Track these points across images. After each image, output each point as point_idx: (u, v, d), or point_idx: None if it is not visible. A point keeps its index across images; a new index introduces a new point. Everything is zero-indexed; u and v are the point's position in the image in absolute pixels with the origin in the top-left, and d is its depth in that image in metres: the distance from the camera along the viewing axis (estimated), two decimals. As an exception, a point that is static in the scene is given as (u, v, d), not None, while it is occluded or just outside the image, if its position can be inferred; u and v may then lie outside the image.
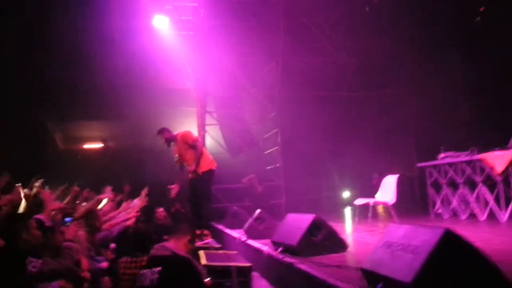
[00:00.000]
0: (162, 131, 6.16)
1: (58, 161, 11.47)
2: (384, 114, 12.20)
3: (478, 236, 4.62)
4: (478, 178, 6.27)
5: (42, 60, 10.68)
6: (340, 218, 8.37)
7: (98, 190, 6.14)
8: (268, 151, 11.63)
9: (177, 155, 6.17)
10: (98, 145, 13.55)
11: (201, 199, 5.99)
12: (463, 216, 6.61)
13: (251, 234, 5.54)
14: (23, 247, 2.73)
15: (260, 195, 9.57)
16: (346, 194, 12.30)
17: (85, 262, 3.62)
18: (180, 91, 11.62)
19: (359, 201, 6.01)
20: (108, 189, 5.49)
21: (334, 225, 4.32)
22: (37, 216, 3.61)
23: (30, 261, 2.56)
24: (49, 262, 2.68)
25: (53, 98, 11.39)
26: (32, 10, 10.24)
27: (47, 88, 11.08)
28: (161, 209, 7.02)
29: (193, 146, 5.95)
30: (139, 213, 5.35)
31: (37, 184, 4.63)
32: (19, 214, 3.21)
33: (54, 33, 10.43)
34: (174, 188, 6.01)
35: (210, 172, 6.01)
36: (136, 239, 3.75)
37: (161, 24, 9.98)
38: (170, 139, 6.12)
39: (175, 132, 6.25)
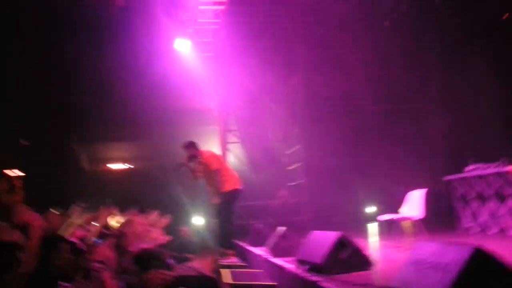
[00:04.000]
0: (190, 145, 6.05)
1: (85, 182, 11.73)
2: (409, 128, 12.04)
3: (510, 252, 4.46)
4: (509, 191, 6.09)
5: (68, 85, 11.05)
6: (366, 234, 8.22)
7: (122, 211, 6.24)
8: (291, 167, 11.60)
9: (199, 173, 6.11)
10: (122, 166, 13.81)
11: (222, 220, 5.92)
12: (493, 231, 6.41)
13: (275, 251, 5.50)
14: (54, 271, 2.77)
15: (288, 211, 9.55)
16: (371, 209, 12.09)
17: (113, 284, 3.67)
18: (203, 111, 11.80)
19: (384, 217, 5.90)
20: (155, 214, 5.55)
21: (360, 242, 4.26)
22: (70, 238, 3.69)
23: (60, 285, 2.59)
24: (79, 286, 2.72)
25: (78, 121, 11.71)
26: (57, 34, 10.62)
27: (70, 108, 11.41)
28: (185, 228, 7.07)
29: (214, 166, 5.91)
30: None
31: (78, 208, 4.74)
32: (54, 238, 3.27)
33: (79, 58, 10.80)
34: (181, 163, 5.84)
35: (233, 192, 5.92)
36: (144, 260, 3.90)
37: (183, 47, 10.22)
38: (194, 156, 6.04)
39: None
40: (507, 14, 9.82)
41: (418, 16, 10.50)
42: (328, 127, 11.43)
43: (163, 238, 5.32)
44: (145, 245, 4.87)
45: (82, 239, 4.16)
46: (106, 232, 4.88)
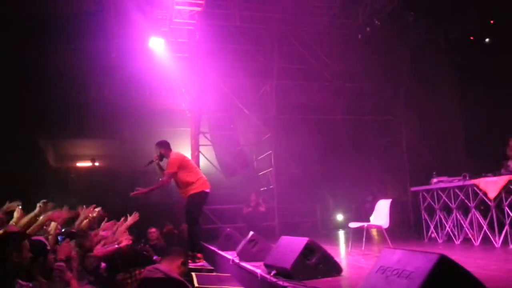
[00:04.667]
0: (163, 145, 6.01)
1: (49, 179, 11.37)
2: (378, 139, 12.31)
3: (473, 261, 4.60)
4: (471, 203, 6.30)
5: (37, 78, 10.71)
6: (334, 241, 8.31)
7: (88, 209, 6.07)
8: (262, 173, 11.63)
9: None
10: (88, 164, 13.48)
11: (189, 223, 5.90)
12: (458, 241, 6.62)
13: (244, 256, 5.47)
14: (13, 269, 2.65)
15: (259, 216, 9.55)
16: (339, 217, 12.27)
17: (74, 284, 3.56)
18: (175, 111, 11.68)
19: (353, 225, 5.98)
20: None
21: (328, 248, 4.29)
22: (35, 237, 3.55)
23: (20, 285, 2.48)
24: (40, 286, 2.61)
25: (46, 116, 11.36)
26: (27, 29, 10.30)
27: (40, 105, 11.07)
28: (153, 229, 6.94)
29: (179, 168, 5.90)
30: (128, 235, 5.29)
31: (40, 204, 4.57)
32: (14, 234, 3.13)
33: (50, 52, 10.50)
34: (140, 191, 5.74)
35: (200, 194, 5.91)
36: (128, 258, 3.92)
37: (157, 46, 10.09)
38: (164, 156, 5.99)
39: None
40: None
41: (390, 31, 10.75)
42: (299, 135, 11.53)
43: (127, 238, 5.20)
44: (109, 248, 4.76)
45: (45, 237, 4.03)
46: (69, 231, 4.75)
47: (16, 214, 4.09)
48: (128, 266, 3.99)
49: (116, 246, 4.70)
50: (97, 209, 5.30)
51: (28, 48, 10.20)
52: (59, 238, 4.38)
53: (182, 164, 5.90)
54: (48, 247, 3.52)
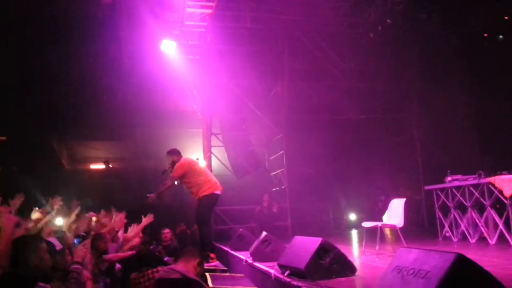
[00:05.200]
0: (174, 153, 6.23)
1: (64, 181, 11.51)
2: (390, 138, 12.22)
3: (489, 260, 4.55)
4: (487, 202, 6.23)
5: (51, 81, 10.86)
6: (347, 241, 8.28)
7: (102, 211, 6.15)
8: (274, 173, 11.62)
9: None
10: (102, 166, 13.62)
11: (199, 223, 6.01)
12: (473, 240, 6.55)
13: (257, 256, 5.48)
14: (32, 272, 2.69)
15: (271, 217, 9.56)
16: (352, 216, 12.21)
17: (90, 286, 3.60)
18: (187, 113, 11.75)
19: (367, 224, 5.94)
20: (122, 215, 5.48)
21: (342, 248, 4.28)
22: (48, 238, 3.61)
23: (39, 286, 2.52)
24: (58, 287, 2.64)
25: (61, 118, 11.51)
26: (41, 32, 10.44)
27: (55, 107, 11.22)
28: (167, 230, 6.99)
29: (184, 176, 6.03)
30: (142, 236, 5.35)
31: (56, 206, 4.64)
32: (30, 237, 3.17)
33: (64, 54, 10.64)
34: (151, 197, 5.93)
35: (210, 196, 6.02)
36: (141, 258, 3.98)
37: (168, 48, 10.16)
38: (175, 164, 6.15)
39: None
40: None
41: (401, 30, 10.67)
42: (311, 135, 11.50)
43: (138, 238, 5.26)
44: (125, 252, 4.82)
45: (60, 240, 4.09)
46: (83, 233, 4.81)
47: (36, 216, 4.15)
48: (140, 266, 4.08)
49: (129, 252, 4.75)
50: (121, 214, 5.39)
51: (42, 51, 10.35)
52: (75, 241, 4.44)
53: (189, 168, 6.08)
54: (57, 248, 3.57)
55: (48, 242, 3.27)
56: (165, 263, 4.61)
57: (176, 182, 6.28)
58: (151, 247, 5.68)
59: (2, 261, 2.83)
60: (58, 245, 3.63)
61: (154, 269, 3.96)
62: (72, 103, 11.17)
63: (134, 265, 4.31)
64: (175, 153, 6.21)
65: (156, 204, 6.05)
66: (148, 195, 6.00)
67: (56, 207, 4.80)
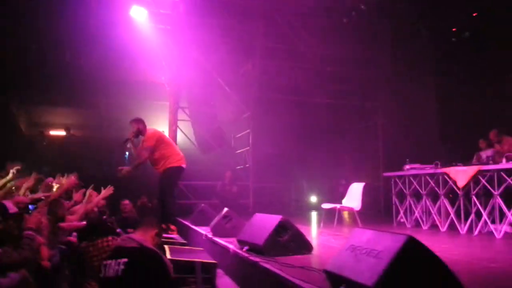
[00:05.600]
0: (139, 121, 5.98)
1: (22, 146, 11.08)
2: (355, 124, 12.45)
3: (439, 245, 4.78)
4: (441, 191, 6.50)
5: (14, 42, 10.31)
6: (307, 221, 8.46)
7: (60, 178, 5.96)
8: (239, 151, 11.65)
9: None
10: (62, 133, 13.19)
11: (165, 194, 5.90)
12: (425, 226, 6.84)
13: (217, 232, 5.53)
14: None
15: (232, 195, 9.61)
16: (313, 198, 12.47)
17: (45, 251, 3.53)
18: (154, 84, 11.50)
19: (326, 206, 6.11)
20: (74, 177, 5.27)
21: (300, 228, 4.37)
22: (3, 201, 3.48)
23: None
24: (9, 252, 2.56)
25: (19, 80, 11.00)
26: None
27: (14, 70, 10.70)
28: (126, 201, 6.89)
29: (155, 146, 5.88)
30: (102, 206, 5.25)
31: (13, 170, 4.47)
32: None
33: (26, 14, 10.09)
34: (124, 170, 5.76)
35: (177, 169, 5.93)
36: (92, 227, 4.04)
37: (139, 15, 9.84)
38: (140, 133, 5.96)
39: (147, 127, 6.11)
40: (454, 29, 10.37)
41: (375, 17, 10.76)
42: (278, 115, 11.55)
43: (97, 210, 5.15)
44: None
45: (15, 203, 3.96)
46: (39, 198, 4.67)
47: None
48: (91, 235, 4.02)
49: (84, 222, 4.66)
50: (72, 176, 5.19)
51: (2, 9, 9.76)
52: (30, 207, 4.32)
53: (160, 139, 5.91)
54: (10, 211, 3.46)
55: (1, 204, 3.16)
56: (117, 234, 4.56)
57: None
58: (103, 217, 5.56)
59: None
60: (12, 208, 3.52)
61: (104, 239, 3.93)
62: (33, 64, 10.64)
63: (86, 234, 4.25)
64: (141, 122, 5.98)
65: (127, 178, 5.87)
66: (120, 168, 5.80)
67: (12, 171, 4.63)
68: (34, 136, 12.55)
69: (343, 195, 6.95)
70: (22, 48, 10.41)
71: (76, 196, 5.07)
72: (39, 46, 10.39)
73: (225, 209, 5.84)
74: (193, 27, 10.32)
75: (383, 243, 2.59)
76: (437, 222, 6.58)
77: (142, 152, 5.92)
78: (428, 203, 6.82)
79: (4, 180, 4.36)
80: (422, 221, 6.95)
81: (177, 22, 10.43)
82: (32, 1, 9.90)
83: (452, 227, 6.31)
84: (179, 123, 10.74)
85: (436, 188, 6.60)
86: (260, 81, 11.25)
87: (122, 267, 2.47)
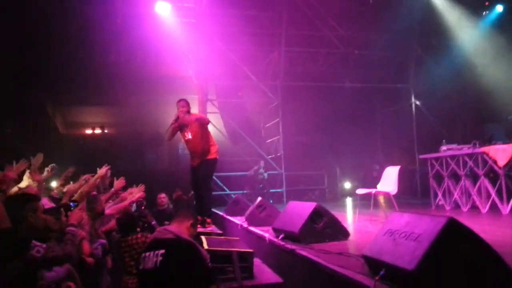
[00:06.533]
0: (187, 101, 5.64)
1: (58, 145, 11.45)
2: (386, 107, 12.18)
3: (480, 227, 4.62)
4: (480, 171, 6.28)
5: (46, 44, 10.59)
6: (341, 208, 8.38)
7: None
8: (269, 141, 11.64)
9: (188, 136, 5.63)
10: (97, 131, 13.55)
11: (202, 189, 5.77)
12: (465, 208, 6.64)
13: (252, 221, 5.56)
14: (28, 230, 2.69)
15: (264, 183, 9.64)
16: (347, 185, 12.34)
17: (86, 247, 3.63)
18: (182, 78, 11.59)
19: (361, 191, 5.99)
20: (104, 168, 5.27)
21: (335, 215, 4.32)
22: (44, 199, 3.61)
23: (34, 245, 2.51)
24: (54, 248, 2.64)
25: (54, 81, 11.32)
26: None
27: (49, 71, 11.01)
28: (163, 195, 6.99)
29: (207, 130, 5.69)
30: (140, 199, 5.33)
31: (48, 168, 4.61)
32: (26, 195, 3.17)
33: (57, 18, 10.34)
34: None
35: (214, 161, 5.74)
36: (130, 221, 4.16)
37: (163, 10, 9.92)
38: (188, 114, 5.56)
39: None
40: None
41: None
42: (307, 103, 11.44)
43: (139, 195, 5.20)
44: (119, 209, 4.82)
45: (56, 200, 4.09)
46: (79, 195, 4.80)
47: (26, 177, 4.15)
48: (127, 230, 4.12)
49: (127, 202, 4.76)
50: (106, 168, 5.24)
51: (33, 12, 10.02)
52: (71, 204, 4.44)
53: (208, 122, 5.69)
54: (46, 207, 3.57)
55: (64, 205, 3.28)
56: (152, 227, 4.63)
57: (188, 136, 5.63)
58: (135, 212, 5.57)
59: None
60: (48, 204, 3.64)
61: (134, 236, 4.02)
62: (65, 65, 10.92)
63: (121, 229, 4.37)
64: (189, 105, 5.64)
65: (151, 167, 5.82)
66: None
67: (48, 169, 4.78)
68: (70, 135, 12.96)
69: (377, 180, 6.81)
70: (54, 51, 10.69)
71: (117, 184, 5.11)
72: (69, 46, 10.63)
73: (259, 198, 5.85)
74: (217, 19, 10.32)
75: (422, 226, 2.52)
76: (478, 203, 6.37)
77: (202, 118, 5.65)
78: (467, 184, 6.60)
79: (42, 182, 4.51)
80: (462, 203, 6.74)
81: (201, 15, 10.46)
82: (63, 4, 10.12)
83: (493, 208, 6.10)
84: (209, 116, 10.78)
85: (475, 168, 6.38)
86: (286, 69, 11.16)
87: (160, 258, 2.51)
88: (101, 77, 11.28)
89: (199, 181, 5.61)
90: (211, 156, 5.58)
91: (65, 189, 4.61)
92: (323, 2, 10.85)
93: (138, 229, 4.42)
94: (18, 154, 4.39)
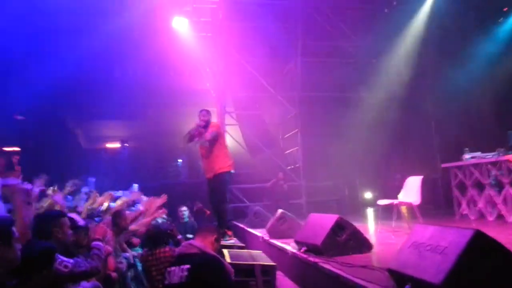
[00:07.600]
0: (208, 111, 5.78)
1: (80, 160, 11.67)
2: (405, 115, 12.04)
3: (507, 237, 4.52)
4: (506, 179, 6.14)
5: (65, 59, 10.86)
6: (363, 218, 8.28)
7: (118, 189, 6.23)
8: (288, 151, 11.63)
9: (201, 151, 5.83)
10: (118, 145, 13.76)
11: (219, 202, 5.82)
12: (491, 218, 6.48)
13: (273, 233, 5.55)
14: (55, 245, 2.76)
15: (283, 194, 9.61)
16: (368, 195, 12.20)
17: (111, 262, 3.70)
18: (200, 91, 11.73)
19: (383, 202, 5.93)
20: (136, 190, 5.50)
21: (357, 226, 4.29)
22: (70, 214, 3.70)
23: (61, 261, 2.57)
24: (81, 263, 2.70)
25: (73, 98, 11.56)
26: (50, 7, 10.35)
27: (69, 87, 11.26)
28: (183, 208, 7.06)
29: (218, 135, 5.74)
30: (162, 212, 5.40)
31: (70, 185, 4.75)
32: (53, 212, 3.26)
33: (77, 35, 10.60)
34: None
35: (228, 174, 5.77)
36: (155, 235, 4.21)
37: (180, 25, 10.09)
38: (207, 124, 5.73)
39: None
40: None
41: (418, 5, 10.34)
42: (325, 113, 11.40)
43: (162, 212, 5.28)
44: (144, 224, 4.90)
45: (82, 217, 4.18)
46: (103, 210, 4.90)
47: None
48: (153, 244, 4.19)
49: (151, 218, 4.83)
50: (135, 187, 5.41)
51: (52, 26, 10.28)
52: (96, 219, 4.54)
53: (223, 133, 5.76)
54: (80, 224, 3.66)
55: (71, 218, 3.35)
56: (178, 242, 4.69)
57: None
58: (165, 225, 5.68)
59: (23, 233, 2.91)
60: (80, 221, 3.72)
61: (162, 249, 4.07)
62: (83, 81, 11.15)
63: (147, 243, 4.43)
64: (210, 114, 5.82)
65: (172, 180, 5.92)
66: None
67: (69, 186, 4.90)
68: (92, 150, 13.20)
69: (398, 190, 6.72)
70: (74, 66, 10.95)
71: (147, 204, 5.21)
72: (88, 61, 10.86)
73: (280, 210, 5.83)
74: (233, 32, 10.43)
75: (448, 238, 2.48)
76: (503, 213, 6.22)
77: (207, 134, 5.68)
78: (492, 193, 6.46)
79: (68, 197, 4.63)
80: (487, 213, 6.59)
81: (218, 28, 10.61)
82: (81, 20, 10.37)
83: (520, 217, 5.94)
84: (227, 128, 10.89)
85: (500, 177, 6.24)
86: (304, 79, 11.17)
87: (185, 273, 2.54)
88: (119, 92, 11.47)
89: (215, 194, 5.73)
90: (224, 169, 5.69)
91: (104, 207, 4.70)
92: (338, 12, 10.88)
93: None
94: (39, 169, 4.51)
